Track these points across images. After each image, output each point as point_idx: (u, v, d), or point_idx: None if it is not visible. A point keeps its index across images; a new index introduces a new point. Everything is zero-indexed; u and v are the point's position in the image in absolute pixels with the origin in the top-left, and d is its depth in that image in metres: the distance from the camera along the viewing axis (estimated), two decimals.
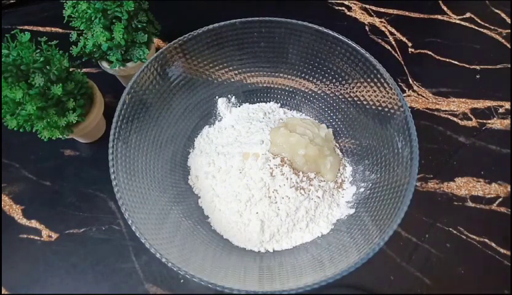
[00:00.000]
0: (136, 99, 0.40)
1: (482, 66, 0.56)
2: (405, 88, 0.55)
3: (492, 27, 0.60)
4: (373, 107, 0.41)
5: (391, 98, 0.39)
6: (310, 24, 0.42)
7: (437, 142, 0.50)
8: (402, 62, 0.58)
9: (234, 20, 0.42)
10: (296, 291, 0.31)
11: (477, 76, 0.55)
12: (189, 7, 0.62)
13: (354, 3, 0.63)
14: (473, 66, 0.57)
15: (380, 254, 0.32)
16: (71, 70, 0.44)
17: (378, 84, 0.40)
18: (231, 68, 0.47)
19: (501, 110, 0.52)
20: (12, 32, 0.41)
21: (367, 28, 0.61)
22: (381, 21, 0.61)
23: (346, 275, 0.31)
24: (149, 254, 0.31)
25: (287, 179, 0.40)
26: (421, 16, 0.62)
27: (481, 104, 0.53)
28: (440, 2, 0.63)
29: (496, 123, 0.51)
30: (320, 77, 0.46)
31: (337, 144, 0.47)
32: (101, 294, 0.43)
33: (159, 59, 0.41)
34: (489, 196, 0.47)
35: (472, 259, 0.44)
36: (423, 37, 0.60)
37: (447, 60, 0.57)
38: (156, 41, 0.57)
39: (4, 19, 0.62)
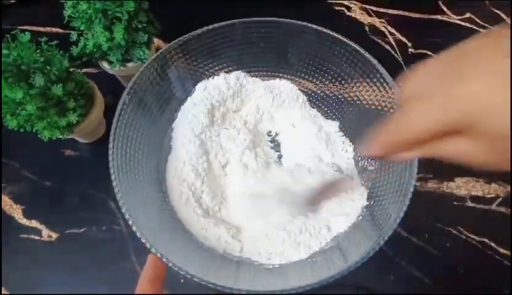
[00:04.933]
0: (136, 100, 0.40)
1: None
2: None
3: (492, 28, 0.60)
4: (373, 107, 0.41)
5: (390, 97, 0.39)
6: (310, 25, 0.42)
7: None
8: (402, 63, 0.58)
9: (234, 20, 0.42)
10: (296, 290, 0.31)
11: None
12: (189, 7, 0.62)
13: (354, 4, 0.63)
14: None
15: (379, 254, 0.32)
16: (71, 70, 0.44)
17: (378, 84, 0.40)
18: (230, 69, 0.47)
19: None
20: (12, 32, 0.41)
21: (366, 28, 0.61)
22: (381, 22, 0.62)
23: (346, 274, 0.31)
24: (149, 254, 0.31)
25: None
26: (421, 16, 0.62)
27: None
28: (440, 2, 0.63)
29: None
30: (320, 77, 0.46)
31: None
32: (102, 294, 0.43)
33: (159, 60, 0.42)
34: (489, 196, 0.47)
35: (472, 259, 0.44)
36: (422, 37, 0.60)
37: None
38: (156, 41, 0.57)
39: (4, 20, 0.62)
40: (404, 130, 0.21)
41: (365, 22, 0.62)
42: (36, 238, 0.46)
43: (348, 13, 0.63)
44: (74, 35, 0.47)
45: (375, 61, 0.39)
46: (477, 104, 0.18)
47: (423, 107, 0.20)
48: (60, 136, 0.43)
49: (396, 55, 0.58)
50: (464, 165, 0.21)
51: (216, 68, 0.47)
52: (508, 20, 0.62)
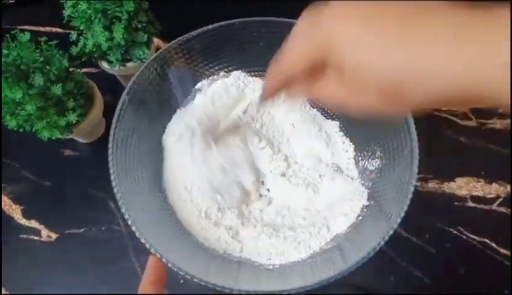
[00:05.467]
0: (136, 99, 0.40)
1: None
2: None
3: None
4: None
5: None
6: None
7: (437, 142, 0.50)
8: None
9: (234, 20, 0.42)
10: (296, 290, 0.31)
11: None
12: (189, 7, 0.62)
13: None
14: None
15: (380, 254, 0.32)
16: (70, 70, 0.44)
17: None
18: (230, 68, 0.47)
19: (501, 110, 0.52)
20: (12, 32, 0.41)
21: None
22: None
23: (346, 275, 0.31)
24: (149, 254, 0.31)
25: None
26: None
27: None
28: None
29: (496, 123, 0.51)
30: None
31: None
32: (101, 294, 0.43)
33: (158, 60, 0.41)
34: (489, 196, 0.47)
35: (473, 259, 0.44)
36: None
37: None
38: (156, 41, 0.57)
39: (4, 19, 0.62)
40: (279, 68, 0.26)
41: None
42: (36, 238, 0.46)
43: None
44: (73, 35, 0.47)
45: None
46: (332, 37, 0.21)
47: (290, 44, 0.24)
48: (60, 136, 0.43)
49: None
50: (338, 109, 0.25)
51: (216, 68, 0.47)
52: None
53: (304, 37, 0.23)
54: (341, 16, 0.21)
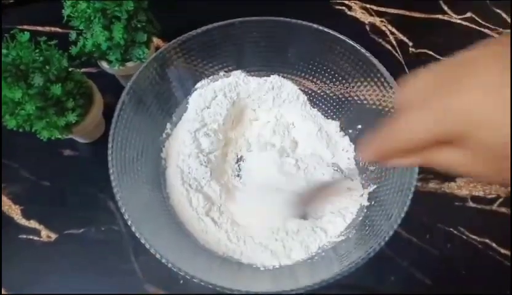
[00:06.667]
0: (136, 99, 0.40)
1: None
2: None
3: (493, 27, 0.60)
4: (374, 106, 0.41)
5: (391, 97, 0.38)
6: (310, 24, 0.42)
7: None
8: (403, 62, 0.57)
9: (234, 20, 0.42)
10: (296, 291, 0.31)
11: None
12: (189, 6, 0.62)
13: (355, 3, 0.63)
14: None
15: (380, 254, 0.32)
16: (70, 70, 0.44)
17: (379, 83, 0.40)
18: (230, 68, 0.47)
19: None
20: (11, 31, 0.41)
21: (367, 28, 0.61)
22: (381, 21, 0.61)
23: (346, 274, 0.31)
24: (149, 254, 0.31)
25: None
26: (422, 15, 0.62)
27: None
28: (441, 1, 0.63)
29: None
30: (321, 77, 0.46)
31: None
32: (101, 294, 0.43)
33: (158, 59, 0.41)
34: (490, 196, 0.47)
35: (473, 260, 0.44)
36: (423, 36, 0.59)
37: None
38: (156, 41, 0.57)
39: (4, 19, 0.62)
40: (394, 138, 0.21)
41: (366, 21, 0.61)
42: (35, 238, 0.46)
43: (349, 13, 0.62)
44: (73, 35, 0.47)
45: (375, 61, 0.39)
46: (473, 116, 0.17)
47: (413, 116, 0.20)
48: (59, 136, 0.43)
49: (396, 54, 0.58)
50: (456, 174, 0.21)
51: (216, 67, 0.46)
52: (508, 19, 0.61)
53: (426, 111, 0.19)
54: (488, 95, 0.17)
